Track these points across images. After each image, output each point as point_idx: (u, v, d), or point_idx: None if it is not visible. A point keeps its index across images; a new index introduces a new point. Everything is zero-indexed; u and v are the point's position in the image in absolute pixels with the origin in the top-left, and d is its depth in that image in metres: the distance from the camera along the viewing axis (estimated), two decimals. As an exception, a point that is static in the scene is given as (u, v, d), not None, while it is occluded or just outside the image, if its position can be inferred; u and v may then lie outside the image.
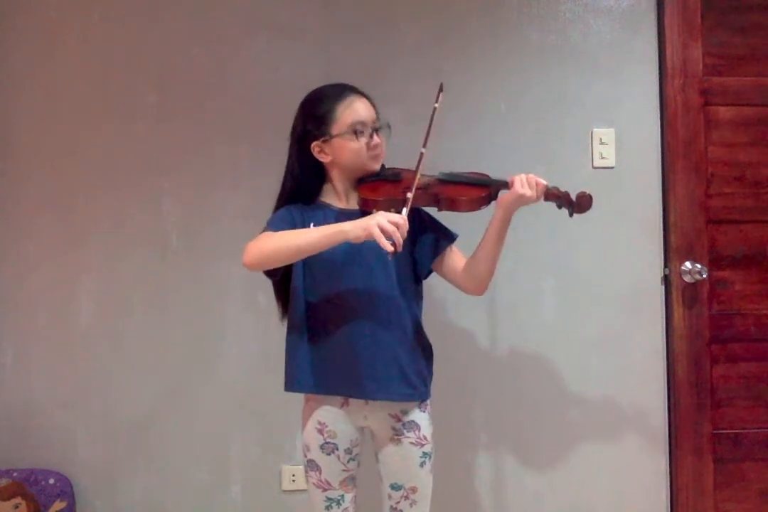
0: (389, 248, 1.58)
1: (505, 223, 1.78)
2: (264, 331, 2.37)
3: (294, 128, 1.83)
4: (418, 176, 1.71)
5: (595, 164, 2.46)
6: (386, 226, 1.58)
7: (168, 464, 2.38)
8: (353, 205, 1.83)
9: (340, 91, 1.79)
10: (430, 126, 1.74)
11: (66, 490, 2.30)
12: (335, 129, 1.76)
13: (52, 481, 2.29)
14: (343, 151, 1.78)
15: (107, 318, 2.39)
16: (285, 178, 1.86)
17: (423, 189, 1.75)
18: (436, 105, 1.75)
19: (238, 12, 2.43)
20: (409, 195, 1.68)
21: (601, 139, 2.46)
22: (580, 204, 1.79)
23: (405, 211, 1.65)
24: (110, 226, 2.40)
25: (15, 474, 2.28)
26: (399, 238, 1.59)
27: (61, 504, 2.29)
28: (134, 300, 2.39)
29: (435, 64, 2.43)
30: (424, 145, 1.73)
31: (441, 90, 1.76)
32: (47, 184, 2.39)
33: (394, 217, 1.60)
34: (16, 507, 2.25)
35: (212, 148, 2.41)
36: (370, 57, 2.42)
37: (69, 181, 2.40)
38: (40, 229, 2.39)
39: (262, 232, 1.76)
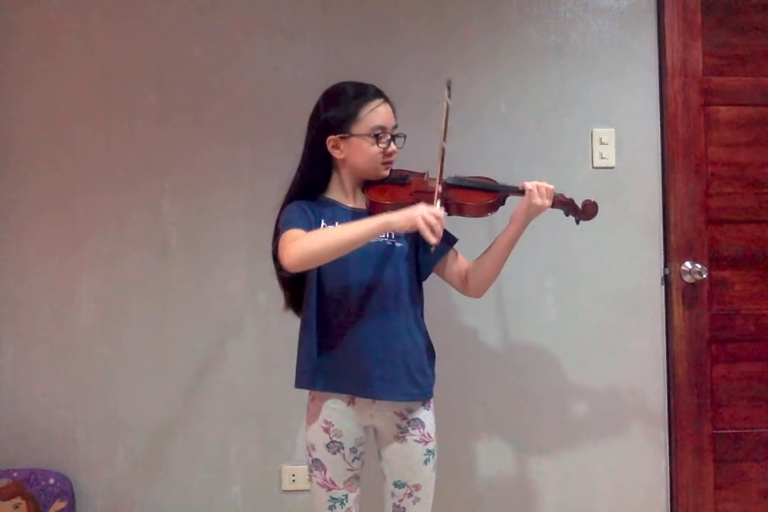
0: (433, 240, 1.58)
1: (519, 235, 1.80)
2: (264, 331, 2.37)
3: (314, 116, 1.82)
4: (442, 172, 1.70)
5: (595, 164, 2.47)
6: (429, 219, 1.59)
7: (168, 464, 2.39)
8: (360, 204, 1.83)
9: (369, 92, 1.78)
10: (446, 121, 1.73)
11: (66, 490, 2.30)
12: (357, 128, 1.76)
13: (52, 481, 2.29)
14: (358, 151, 1.78)
15: (107, 318, 2.39)
16: (300, 164, 1.85)
17: (432, 192, 1.73)
18: (449, 100, 1.74)
19: (238, 12, 2.43)
20: (439, 188, 1.68)
21: (601, 139, 2.46)
22: (586, 211, 1.84)
23: (438, 203, 1.66)
24: (110, 226, 2.40)
25: (15, 474, 2.28)
26: (440, 230, 1.60)
27: (61, 504, 2.29)
28: (134, 300, 2.39)
29: (435, 64, 2.43)
30: (444, 139, 1.72)
31: (449, 87, 1.74)
32: (47, 184, 2.39)
33: (434, 209, 1.61)
34: (16, 507, 2.25)
35: (212, 148, 2.41)
36: (370, 57, 2.42)
37: (69, 181, 2.39)
38: (40, 229, 2.39)
39: (284, 232, 1.72)
